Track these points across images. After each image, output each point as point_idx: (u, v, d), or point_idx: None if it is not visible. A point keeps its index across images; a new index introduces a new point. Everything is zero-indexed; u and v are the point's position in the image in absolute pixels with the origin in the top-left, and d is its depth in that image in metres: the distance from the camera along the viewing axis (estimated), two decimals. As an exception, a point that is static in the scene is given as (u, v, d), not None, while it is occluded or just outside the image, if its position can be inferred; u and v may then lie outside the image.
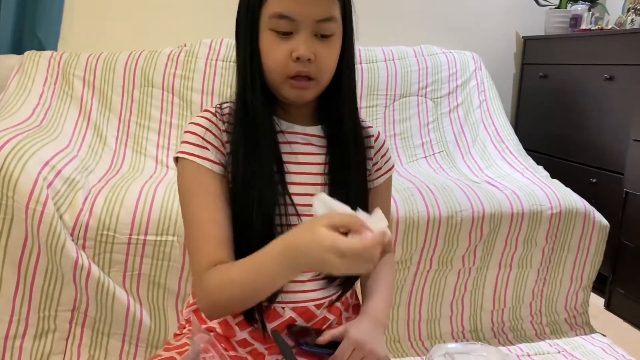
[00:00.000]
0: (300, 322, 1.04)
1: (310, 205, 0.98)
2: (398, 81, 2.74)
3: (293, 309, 1.03)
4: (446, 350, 0.68)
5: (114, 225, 1.72)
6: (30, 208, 1.61)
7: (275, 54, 0.96)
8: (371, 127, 1.15)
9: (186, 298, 1.71)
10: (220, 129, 1.01)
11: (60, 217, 1.68)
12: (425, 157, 2.64)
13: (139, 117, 2.43)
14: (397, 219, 1.97)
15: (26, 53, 2.42)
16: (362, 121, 1.12)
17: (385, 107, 2.72)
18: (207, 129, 1.00)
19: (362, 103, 2.69)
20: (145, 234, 1.74)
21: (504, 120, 2.76)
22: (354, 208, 0.90)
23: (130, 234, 1.73)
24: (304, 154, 1.05)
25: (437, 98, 2.78)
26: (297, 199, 1.01)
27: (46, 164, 1.74)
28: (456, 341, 2.14)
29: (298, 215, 1.00)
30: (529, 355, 2.06)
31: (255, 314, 1.00)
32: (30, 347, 1.69)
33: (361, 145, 1.09)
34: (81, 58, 2.45)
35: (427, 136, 2.70)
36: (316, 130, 1.07)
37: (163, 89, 2.48)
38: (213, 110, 1.03)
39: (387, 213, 1.18)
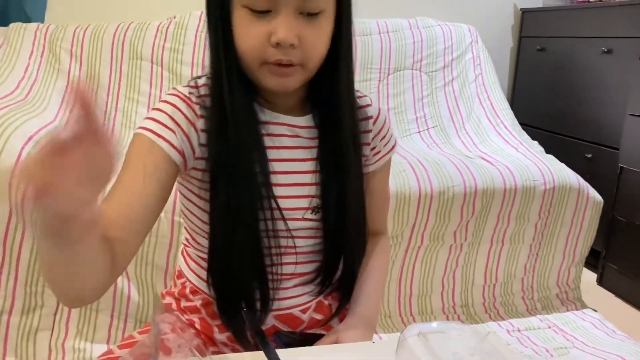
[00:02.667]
0: (284, 330, 0.98)
1: (300, 209, 0.92)
2: (392, 54, 2.69)
3: (276, 316, 0.97)
4: (420, 330, 0.66)
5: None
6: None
7: (250, 36, 0.80)
8: (370, 104, 1.00)
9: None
10: (196, 114, 0.86)
11: (45, 192, 1.65)
12: (419, 132, 2.61)
13: (128, 90, 2.39)
14: (388, 194, 1.95)
15: (11, 25, 2.37)
16: (359, 96, 0.99)
17: (379, 81, 2.68)
18: (180, 110, 0.86)
19: (356, 77, 2.64)
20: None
21: (499, 94, 2.72)
22: (348, 199, 0.89)
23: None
24: (291, 148, 0.92)
25: (431, 72, 2.73)
26: (283, 202, 0.90)
27: (30, 138, 1.71)
28: (447, 317, 2.14)
29: (284, 219, 0.90)
30: (519, 331, 2.06)
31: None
32: (18, 322, 1.68)
33: (358, 135, 0.95)
34: (68, 30, 2.40)
35: (421, 111, 2.66)
36: (306, 120, 0.93)
37: (152, 62, 2.44)
38: (187, 92, 0.88)
39: (384, 195, 1.12)
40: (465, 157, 2.27)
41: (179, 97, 0.87)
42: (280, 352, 0.75)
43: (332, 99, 0.90)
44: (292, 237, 0.92)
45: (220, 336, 0.98)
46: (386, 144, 1.04)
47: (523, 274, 2.22)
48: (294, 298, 0.97)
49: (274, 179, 0.89)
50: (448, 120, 2.65)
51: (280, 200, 0.90)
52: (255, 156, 0.87)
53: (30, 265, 1.68)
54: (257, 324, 0.72)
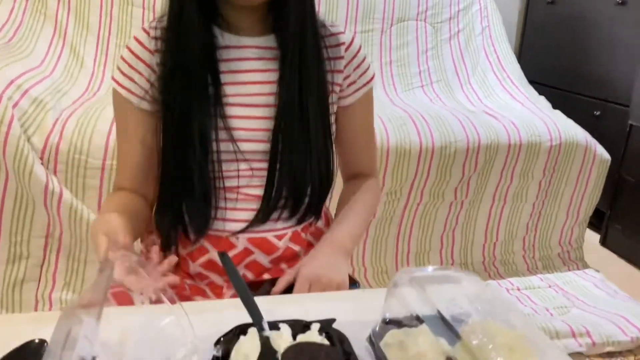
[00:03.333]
0: (258, 254, 0.95)
1: (256, 130, 0.91)
2: (396, 4, 2.56)
3: (249, 239, 0.94)
4: (412, 276, 0.59)
5: (87, 149, 1.63)
6: (-6, 128, 1.51)
7: None
8: (342, 32, 0.98)
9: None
10: (151, 51, 0.90)
11: (28, 139, 1.58)
12: (422, 86, 2.51)
13: (119, 37, 2.28)
14: (387, 149, 1.87)
15: (-5, -34, 2.25)
16: (331, 25, 0.97)
17: (382, 32, 2.56)
18: (136, 56, 0.90)
19: (357, 28, 2.53)
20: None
21: (506, 47, 2.61)
22: (309, 121, 0.89)
23: (104, 159, 1.64)
24: (251, 71, 0.92)
25: (437, 23, 2.62)
26: (238, 123, 0.91)
27: (11, 82, 1.63)
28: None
29: (234, 141, 0.91)
30: (518, 289, 2.01)
31: (172, 242, 0.94)
32: (3, 272, 1.64)
33: (318, 56, 0.93)
34: (55, -28, 2.27)
35: (424, 64, 2.55)
36: (268, 41, 0.92)
37: (144, 8, 2.32)
38: (147, 27, 0.91)
39: (367, 134, 1.07)
40: (469, 112, 2.18)
41: (137, 40, 0.91)
42: (262, 300, 0.69)
43: (293, 17, 0.88)
44: (246, 160, 0.92)
45: (195, 266, 0.96)
46: (362, 75, 1.00)
47: (525, 233, 2.17)
48: (267, 222, 0.95)
49: (230, 100, 0.91)
50: (452, 74, 2.55)
51: (234, 121, 0.90)
52: (209, 77, 0.89)
53: (14, 215, 1.62)
54: (233, 269, 0.65)
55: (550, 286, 2.21)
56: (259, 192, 0.94)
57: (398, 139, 1.90)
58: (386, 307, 0.65)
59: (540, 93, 2.49)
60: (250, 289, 0.66)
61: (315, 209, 0.99)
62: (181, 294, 0.98)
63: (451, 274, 0.64)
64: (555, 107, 2.37)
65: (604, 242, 2.48)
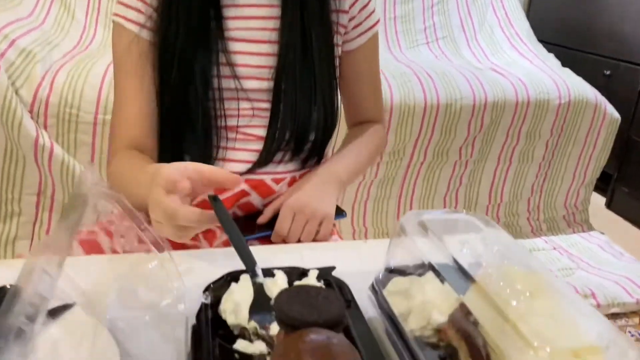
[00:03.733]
0: (253, 196, 0.92)
1: (259, 67, 0.86)
2: (401, -44, 2.45)
3: (247, 181, 0.91)
4: (420, 218, 0.54)
5: (78, 103, 1.57)
6: (-21, 79, 1.44)
7: None
8: None
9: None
10: None
11: (16, 91, 1.51)
12: (427, 43, 2.43)
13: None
14: (391, 106, 1.81)
15: None
16: None
17: (386, -14, 2.46)
18: None
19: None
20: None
21: (515, 3, 2.51)
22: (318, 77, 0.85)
23: (96, 113, 1.58)
24: (254, 5, 0.88)
25: (443, -23, 2.51)
26: (238, 58, 0.87)
27: (-2, 31, 1.55)
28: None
29: (237, 77, 0.87)
30: (522, 251, 1.98)
31: None
32: (-6, 230, 1.59)
33: None
34: None
35: (430, 20, 2.46)
36: None
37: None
38: None
39: (373, 80, 1.03)
40: (476, 69, 2.11)
41: None
42: (257, 249, 0.64)
43: None
44: (248, 99, 0.89)
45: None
46: (367, 17, 0.96)
47: (530, 194, 2.12)
48: (269, 165, 0.92)
49: (232, 34, 0.87)
50: (459, 30, 2.45)
51: (237, 57, 0.86)
52: (211, 10, 0.85)
53: (4, 171, 1.56)
54: (225, 213, 0.60)
55: (554, 248, 2.17)
56: (261, 132, 0.91)
57: (402, 95, 1.83)
58: (390, 253, 0.60)
59: (548, 52, 2.40)
60: (241, 229, 0.61)
61: (318, 151, 0.95)
62: (173, 242, 0.95)
63: (462, 217, 0.59)
64: (564, 66, 2.29)
65: (609, 205, 2.43)
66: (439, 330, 0.54)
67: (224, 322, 0.54)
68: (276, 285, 0.55)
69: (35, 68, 1.59)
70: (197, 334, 0.51)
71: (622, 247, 2.09)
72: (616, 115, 2.07)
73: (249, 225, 0.90)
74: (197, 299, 0.57)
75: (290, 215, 0.85)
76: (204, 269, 0.59)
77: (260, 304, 0.53)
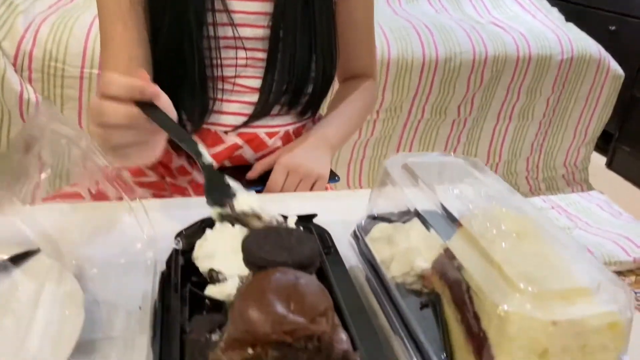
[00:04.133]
0: (246, 149, 0.89)
1: (256, 13, 0.82)
2: None
3: (239, 134, 0.88)
4: (406, 162, 0.50)
5: (63, 56, 1.51)
6: (-41, 31, 1.39)
7: None
8: None
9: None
10: None
11: (-1, 43, 1.46)
12: (427, -4, 2.34)
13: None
14: (388, 61, 1.75)
15: None
16: None
17: (384, -63, 2.36)
18: None
19: None
20: (100, 68, 1.54)
21: (518, -46, 2.41)
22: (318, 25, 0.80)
23: (82, 67, 1.53)
24: None
25: None
26: (234, 4, 0.82)
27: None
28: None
29: (233, 25, 0.82)
30: (520, 210, 1.96)
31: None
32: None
33: None
34: None
35: (430, -27, 2.37)
36: None
37: None
38: None
39: (367, 30, 0.97)
40: (477, 23, 2.04)
41: None
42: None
43: None
44: (245, 48, 0.84)
45: (179, 160, 0.91)
46: None
47: (529, 153, 2.08)
48: (264, 118, 0.88)
49: None
50: (460, -16, 2.37)
51: (233, 3, 0.81)
52: None
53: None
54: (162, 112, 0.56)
55: (553, 207, 2.14)
56: (256, 83, 0.87)
57: (400, 50, 1.77)
58: (374, 199, 0.57)
59: (552, 6, 2.32)
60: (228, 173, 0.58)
61: (316, 104, 0.92)
62: (160, 195, 0.92)
63: (451, 160, 0.55)
64: (568, 20, 2.21)
65: (610, 165, 2.40)
66: (422, 277, 0.51)
67: (197, 270, 0.51)
68: (243, 195, 0.53)
69: (17, 20, 1.53)
70: (165, 280, 0.48)
71: (622, 207, 2.07)
72: (620, 71, 2.01)
73: (236, 178, 0.87)
74: (169, 247, 0.54)
75: (283, 173, 0.82)
76: (177, 216, 0.56)
77: (215, 188, 0.51)
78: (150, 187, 0.94)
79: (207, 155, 0.56)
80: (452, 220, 0.48)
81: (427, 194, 0.52)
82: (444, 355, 0.44)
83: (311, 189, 0.83)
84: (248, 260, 0.39)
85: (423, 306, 0.49)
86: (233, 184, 0.56)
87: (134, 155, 0.59)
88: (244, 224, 0.50)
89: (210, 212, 0.51)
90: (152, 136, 0.58)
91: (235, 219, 0.51)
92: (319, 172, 0.83)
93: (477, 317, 0.41)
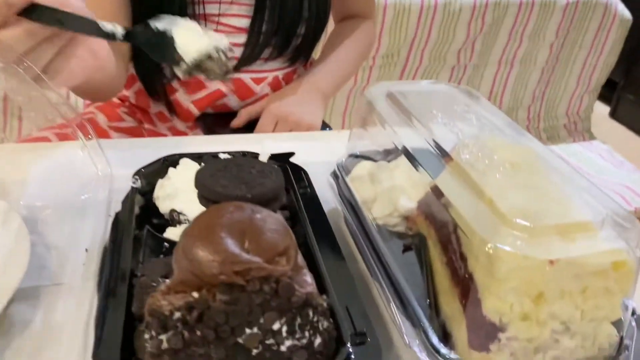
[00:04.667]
0: (230, 97, 0.83)
1: None
2: None
3: (224, 81, 0.81)
4: (390, 91, 0.45)
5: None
6: None
7: None
8: None
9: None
10: None
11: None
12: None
13: None
14: (384, 4, 1.66)
15: None
16: None
17: None
18: None
19: None
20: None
21: None
22: None
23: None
24: None
25: None
26: None
27: None
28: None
29: None
30: (520, 161, 1.91)
31: (157, 87, 0.80)
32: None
33: None
34: None
35: None
36: None
37: None
38: None
39: None
40: (478, -37, 1.93)
41: None
42: (214, 139, 0.56)
43: None
44: None
45: (157, 106, 0.86)
46: None
47: (531, 101, 2.01)
48: (249, 65, 0.81)
49: None
50: None
51: None
52: None
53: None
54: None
55: (554, 157, 2.08)
56: (242, 23, 0.79)
57: (396, -9, 1.68)
58: (356, 135, 0.51)
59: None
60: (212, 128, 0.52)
61: (308, 48, 0.85)
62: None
63: (442, 89, 0.49)
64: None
65: (613, 114, 2.33)
66: (406, 219, 0.46)
67: (158, 211, 0.46)
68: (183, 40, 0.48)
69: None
70: (119, 221, 0.43)
71: (625, 157, 2.01)
72: (628, 15, 1.92)
73: (219, 126, 0.82)
74: (128, 188, 0.49)
75: (272, 122, 0.76)
76: (140, 156, 0.51)
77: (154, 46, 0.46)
78: (126, 132, 0.88)
79: (115, 26, 0.49)
80: (442, 154, 0.43)
81: (414, 127, 0.47)
82: (427, 301, 0.39)
83: None
84: (202, 195, 0.34)
85: (406, 249, 0.44)
86: (164, 25, 0.50)
87: (62, 70, 0.51)
88: (206, 72, 0.44)
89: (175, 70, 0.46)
90: (61, 41, 0.50)
91: (196, 68, 0.45)
92: (310, 122, 0.77)
93: (464, 259, 0.36)
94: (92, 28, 0.48)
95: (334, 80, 0.87)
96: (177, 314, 0.28)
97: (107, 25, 0.49)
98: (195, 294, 0.28)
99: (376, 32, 1.68)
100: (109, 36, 0.49)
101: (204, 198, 0.34)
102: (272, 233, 0.30)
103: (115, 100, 0.90)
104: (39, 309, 0.40)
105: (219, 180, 0.34)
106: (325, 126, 0.84)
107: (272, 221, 0.31)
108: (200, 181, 0.34)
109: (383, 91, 0.48)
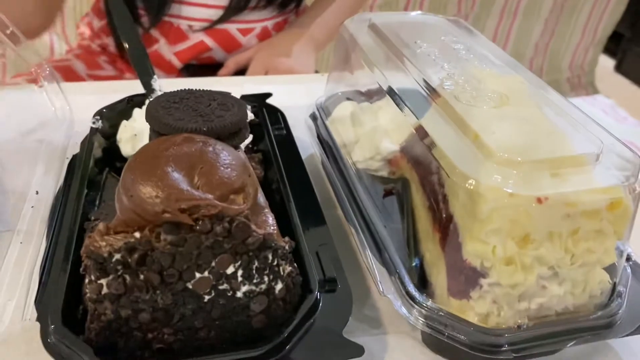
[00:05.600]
0: (216, 50, 0.78)
1: None
2: None
3: (205, 31, 0.76)
4: (372, 23, 0.40)
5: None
6: None
7: None
8: None
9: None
10: None
11: None
12: None
13: None
14: (381, -51, 1.58)
15: None
16: None
17: None
18: None
19: None
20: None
21: None
22: None
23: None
24: None
25: None
26: None
27: None
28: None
29: None
30: (520, 115, 1.86)
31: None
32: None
33: None
34: None
35: None
36: None
37: None
38: None
39: None
40: None
41: None
42: (191, 82, 0.52)
43: None
44: None
45: None
46: None
47: (533, 54, 1.94)
48: (236, 15, 0.76)
49: None
50: None
51: None
52: None
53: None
54: (124, 10, 0.46)
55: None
56: None
57: (394, -64, 1.60)
58: (336, 72, 0.47)
59: None
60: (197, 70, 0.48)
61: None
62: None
63: (431, 20, 0.45)
64: None
65: (619, 68, 2.26)
66: (389, 162, 0.43)
67: (122, 155, 0.43)
68: None
69: None
70: (75, 163, 0.40)
71: (628, 111, 1.95)
72: (637, -38, 1.84)
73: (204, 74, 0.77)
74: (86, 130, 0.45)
75: (261, 71, 0.72)
76: (106, 100, 0.47)
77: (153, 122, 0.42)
78: (106, 81, 0.84)
79: (159, 91, 0.45)
80: (428, 91, 0.39)
81: (397, 62, 0.43)
82: (407, 248, 0.36)
83: None
84: (153, 130, 0.31)
85: (387, 193, 0.41)
86: None
87: None
88: None
89: None
90: None
91: None
92: (298, 70, 0.73)
93: (445, 201, 0.33)
94: (145, 71, 0.46)
95: (328, 28, 0.82)
96: (117, 256, 0.25)
97: (157, 84, 0.46)
98: (137, 234, 0.25)
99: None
100: (142, 79, 0.45)
101: (155, 132, 0.31)
102: (226, 168, 0.27)
103: (95, 47, 0.86)
104: (-10, 256, 0.37)
105: (172, 113, 0.31)
106: None
107: (227, 155, 0.27)
108: (150, 113, 0.31)
109: (365, 21, 0.44)
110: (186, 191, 0.25)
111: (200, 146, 0.27)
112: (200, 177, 0.26)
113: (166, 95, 0.33)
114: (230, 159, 0.27)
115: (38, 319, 0.27)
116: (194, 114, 0.31)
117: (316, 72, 0.80)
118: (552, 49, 1.95)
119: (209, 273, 0.26)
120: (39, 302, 0.29)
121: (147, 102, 0.45)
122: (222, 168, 0.27)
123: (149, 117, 0.31)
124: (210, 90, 0.34)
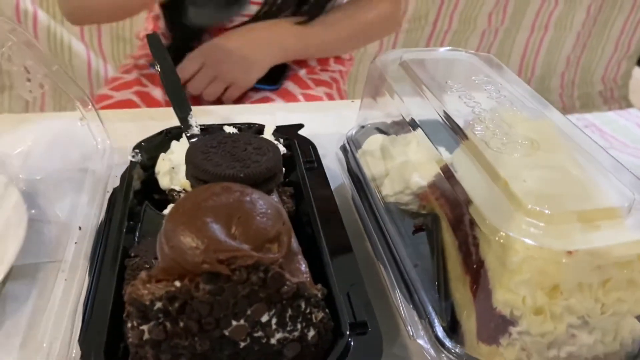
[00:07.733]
0: None
1: None
2: None
3: (210, 29, 0.78)
4: (404, 57, 0.41)
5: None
6: None
7: None
8: None
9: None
10: None
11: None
12: None
13: None
14: (411, -37, 1.59)
15: None
16: None
17: None
18: None
19: None
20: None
21: None
22: None
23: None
24: None
25: None
26: None
27: None
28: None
29: None
30: (551, 129, 1.84)
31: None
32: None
33: None
34: None
35: None
36: None
37: None
38: None
39: None
40: None
41: None
42: (222, 109, 0.53)
43: None
44: None
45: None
46: None
47: (565, 67, 1.92)
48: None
49: None
50: None
51: None
52: None
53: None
54: (163, 49, 0.48)
55: (587, 126, 1.99)
56: None
57: (424, -49, 1.60)
58: (366, 106, 0.48)
59: None
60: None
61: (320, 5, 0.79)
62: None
63: (461, 57, 0.46)
64: None
65: (654, 81, 2.21)
66: (419, 197, 0.44)
67: (159, 187, 0.45)
68: None
69: None
70: (117, 197, 0.41)
71: (664, 125, 1.91)
72: (673, -26, 1.80)
73: None
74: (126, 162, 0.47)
75: (196, 62, 0.70)
76: (139, 129, 0.49)
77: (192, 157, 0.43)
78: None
79: (195, 127, 0.46)
80: (455, 131, 0.39)
81: (426, 99, 0.43)
82: (436, 288, 0.37)
83: (224, 93, 0.70)
84: (191, 174, 0.32)
85: (417, 229, 0.42)
86: None
87: None
88: None
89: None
90: None
91: None
92: (238, 78, 0.70)
93: (476, 244, 0.33)
94: (182, 108, 0.47)
95: (306, 44, 0.78)
96: (158, 304, 0.26)
97: (194, 121, 0.47)
98: (178, 283, 0.26)
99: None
100: (179, 116, 0.47)
101: (193, 177, 0.32)
102: (262, 217, 0.28)
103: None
104: (35, 287, 0.39)
105: (210, 158, 0.32)
106: (274, 80, 0.77)
107: (263, 204, 0.28)
108: (190, 159, 0.32)
109: (396, 59, 0.45)
110: (224, 242, 0.26)
111: (238, 196, 0.28)
112: (237, 227, 0.27)
113: (204, 140, 0.34)
114: (265, 208, 0.29)
115: (82, 359, 0.29)
116: (232, 159, 0.32)
117: (274, 73, 0.77)
118: (584, 62, 1.93)
119: (244, 321, 0.27)
120: (82, 341, 0.30)
121: (183, 135, 0.47)
122: (259, 217, 0.28)
123: (188, 163, 0.32)
124: (246, 134, 0.35)
